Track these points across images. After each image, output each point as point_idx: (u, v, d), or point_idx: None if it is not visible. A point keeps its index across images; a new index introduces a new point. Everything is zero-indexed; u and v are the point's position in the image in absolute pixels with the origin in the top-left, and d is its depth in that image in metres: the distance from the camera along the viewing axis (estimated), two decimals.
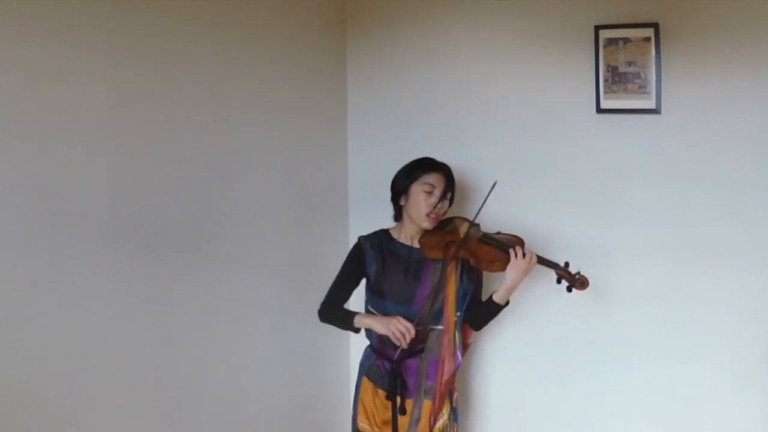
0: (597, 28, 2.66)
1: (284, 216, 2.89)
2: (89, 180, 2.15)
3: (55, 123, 2.06)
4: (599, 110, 2.71)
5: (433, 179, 2.52)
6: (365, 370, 2.62)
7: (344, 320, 2.57)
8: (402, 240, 2.60)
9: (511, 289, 2.48)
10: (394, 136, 3.10)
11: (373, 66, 3.13)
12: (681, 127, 2.62)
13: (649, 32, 2.57)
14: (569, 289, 2.50)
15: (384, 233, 2.64)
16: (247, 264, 2.73)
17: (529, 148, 2.86)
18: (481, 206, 2.47)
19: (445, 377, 2.53)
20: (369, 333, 2.61)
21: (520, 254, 2.44)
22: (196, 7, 2.47)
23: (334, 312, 2.61)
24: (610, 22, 2.64)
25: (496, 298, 2.51)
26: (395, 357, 2.51)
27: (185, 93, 2.45)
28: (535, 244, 2.85)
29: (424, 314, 2.50)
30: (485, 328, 2.68)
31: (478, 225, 2.53)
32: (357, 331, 2.59)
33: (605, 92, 2.67)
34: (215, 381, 2.62)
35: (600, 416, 2.85)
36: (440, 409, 2.55)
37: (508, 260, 2.46)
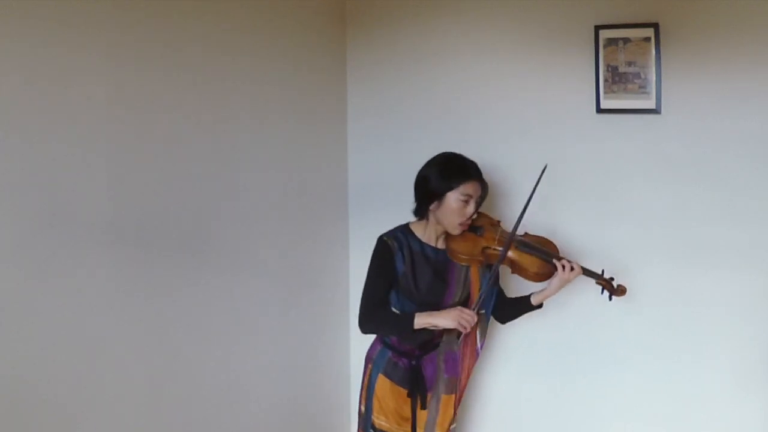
0: (597, 28, 2.66)
1: (284, 216, 2.89)
2: (89, 180, 2.15)
3: (55, 123, 2.06)
4: (599, 110, 2.71)
5: (471, 188, 2.40)
6: (381, 367, 2.57)
7: (398, 323, 2.45)
8: (425, 240, 2.51)
9: (551, 296, 2.50)
10: (394, 136, 3.10)
11: (373, 66, 3.13)
12: (681, 127, 2.62)
13: (649, 32, 2.57)
14: (610, 298, 2.50)
15: (406, 230, 2.51)
16: (248, 264, 2.73)
17: (529, 148, 2.86)
18: (523, 211, 2.41)
19: (467, 372, 2.57)
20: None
21: (567, 267, 2.42)
22: (196, 7, 2.47)
23: (382, 317, 2.47)
24: (610, 22, 2.64)
25: (534, 302, 2.52)
26: (457, 347, 2.48)
27: (185, 93, 2.45)
28: None
29: (480, 299, 2.45)
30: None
31: (515, 229, 2.44)
32: (413, 333, 2.44)
33: (605, 92, 2.67)
34: (215, 381, 2.61)
35: (600, 416, 2.86)
36: (460, 401, 2.59)
37: (552, 272, 2.44)
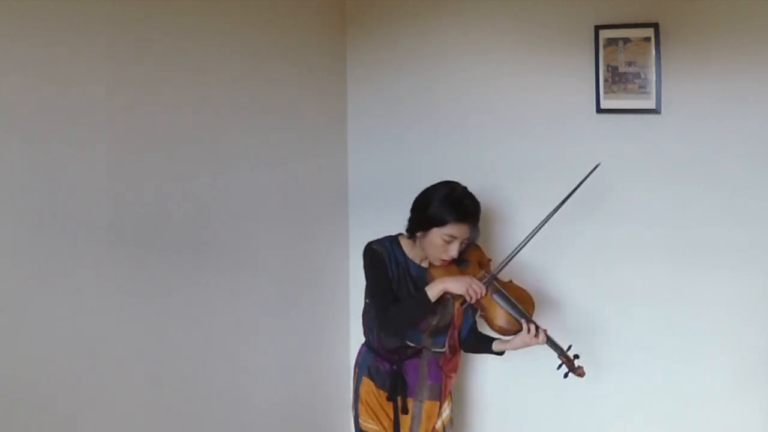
0: (597, 28, 2.66)
1: (284, 216, 2.89)
2: (89, 180, 2.15)
3: (54, 123, 2.06)
4: (599, 110, 2.71)
5: (457, 231, 2.34)
6: (365, 369, 2.60)
7: (416, 305, 2.40)
8: (412, 257, 2.49)
9: (511, 350, 2.48)
10: (394, 136, 3.10)
11: (373, 66, 3.13)
12: (681, 127, 2.62)
13: (649, 32, 2.57)
14: (566, 375, 2.45)
15: (395, 243, 2.51)
16: (247, 264, 2.73)
17: (530, 148, 2.86)
18: (510, 257, 2.41)
19: (453, 371, 2.55)
20: (369, 333, 2.58)
21: (533, 331, 2.37)
22: (196, 7, 2.47)
23: (398, 308, 2.42)
24: (610, 22, 2.64)
25: (495, 348, 2.50)
26: (463, 305, 2.41)
27: (185, 93, 2.45)
28: (534, 244, 2.85)
29: (496, 272, 2.43)
30: (480, 326, 2.68)
31: (494, 277, 2.42)
32: (434, 307, 2.40)
33: (605, 92, 2.67)
34: (215, 381, 2.61)
35: (600, 416, 2.86)
36: (444, 404, 2.57)
37: (517, 331, 2.40)
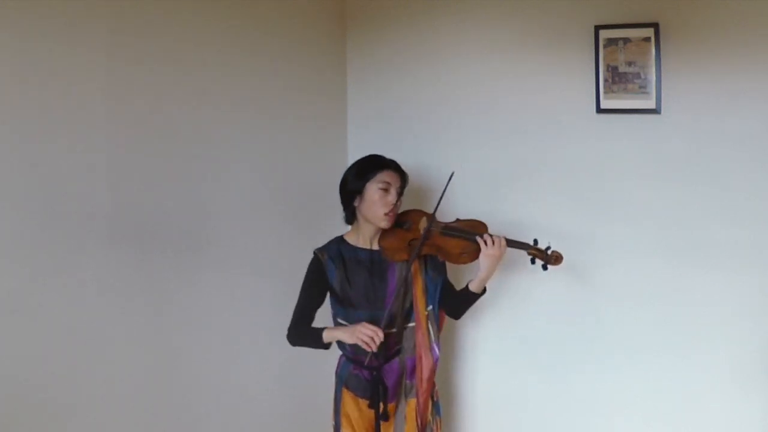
0: (597, 28, 2.66)
1: (284, 216, 2.89)
2: (88, 179, 2.16)
3: (54, 123, 2.06)
4: (599, 110, 2.71)
5: (388, 176, 2.46)
6: (343, 380, 2.58)
7: (313, 338, 2.49)
8: (360, 244, 2.54)
9: (487, 278, 2.43)
10: (394, 137, 3.10)
11: (373, 66, 3.13)
12: (681, 127, 2.62)
13: (649, 32, 2.57)
14: (545, 267, 2.42)
15: (339, 241, 2.57)
16: (247, 265, 2.73)
17: (529, 148, 2.86)
18: (440, 198, 2.45)
19: (426, 374, 2.48)
20: (342, 344, 2.56)
21: (489, 241, 2.36)
22: (195, 8, 2.47)
23: (301, 332, 2.51)
24: (610, 22, 2.64)
25: (472, 288, 2.45)
26: (366, 362, 2.44)
27: (185, 93, 2.45)
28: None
29: (393, 314, 2.45)
30: (471, 321, 2.67)
31: (434, 217, 2.46)
32: (327, 347, 2.51)
33: (605, 92, 2.67)
34: (214, 380, 2.62)
35: (600, 416, 2.85)
36: (426, 407, 2.51)
37: (477, 250, 2.39)
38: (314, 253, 2.55)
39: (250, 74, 2.70)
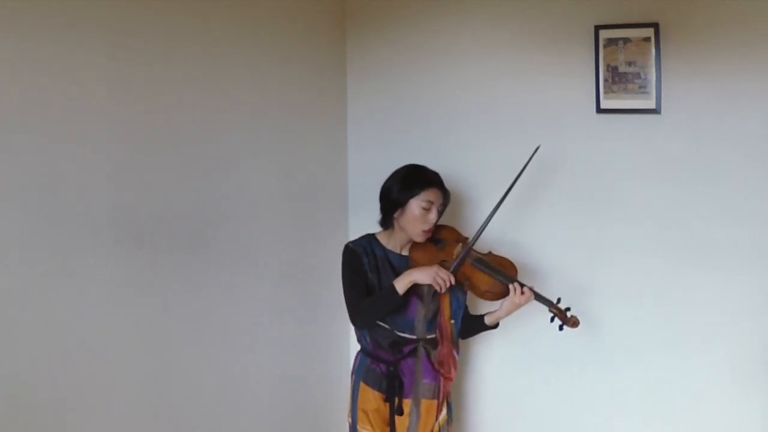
0: (597, 28, 2.66)
1: (284, 216, 2.89)
2: (90, 180, 2.16)
3: (55, 123, 2.06)
4: (599, 110, 2.71)
5: (433, 195, 2.48)
6: (362, 375, 2.61)
7: (384, 298, 2.45)
8: (391, 248, 2.58)
9: (504, 317, 2.52)
10: (394, 136, 3.10)
11: (373, 66, 3.13)
12: (681, 127, 2.62)
13: (649, 32, 2.57)
14: (561, 328, 2.47)
15: (372, 239, 2.60)
16: (248, 264, 2.73)
17: (529, 148, 2.85)
18: (481, 230, 2.47)
19: (453, 375, 2.55)
20: (362, 338, 2.60)
21: (518, 291, 2.42)
22: (196, 7, 2.47)
23: (368, 302, 2.49)
24: (610, 22, 2.64)
25: (487, 321, 2.55)
26: (433, 295, 2.47)
27: (186, 93, 2.45)
28: (536, 244, 2.86)
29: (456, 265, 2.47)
30: None
31: (471, 247, 2.49)
32: (402, 300, 2.44)
33: (605, 92, 2.67)
34: (215, 380, 2.62)
35: (600, 416, 2.86)
36: (442, 406, 2.57)
37: (504, 293, 2.45)
38: (348, 245, 2.57)
39: (249, 74, 2.70)
